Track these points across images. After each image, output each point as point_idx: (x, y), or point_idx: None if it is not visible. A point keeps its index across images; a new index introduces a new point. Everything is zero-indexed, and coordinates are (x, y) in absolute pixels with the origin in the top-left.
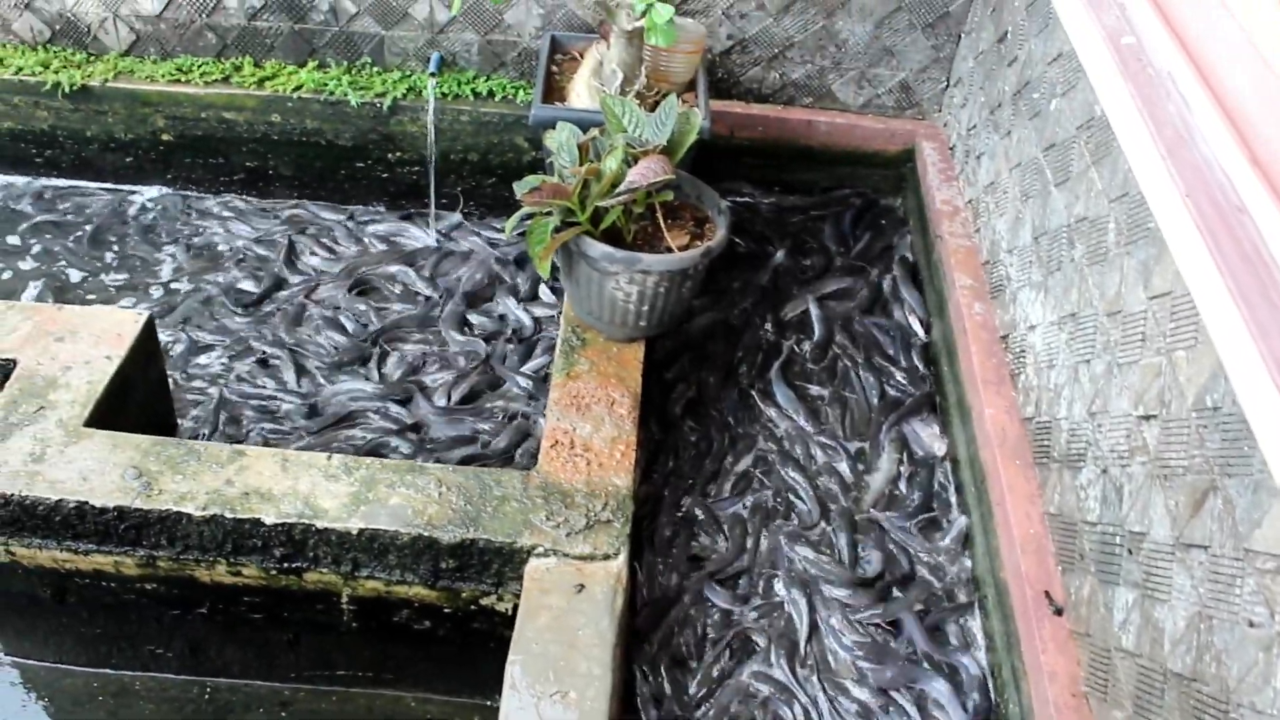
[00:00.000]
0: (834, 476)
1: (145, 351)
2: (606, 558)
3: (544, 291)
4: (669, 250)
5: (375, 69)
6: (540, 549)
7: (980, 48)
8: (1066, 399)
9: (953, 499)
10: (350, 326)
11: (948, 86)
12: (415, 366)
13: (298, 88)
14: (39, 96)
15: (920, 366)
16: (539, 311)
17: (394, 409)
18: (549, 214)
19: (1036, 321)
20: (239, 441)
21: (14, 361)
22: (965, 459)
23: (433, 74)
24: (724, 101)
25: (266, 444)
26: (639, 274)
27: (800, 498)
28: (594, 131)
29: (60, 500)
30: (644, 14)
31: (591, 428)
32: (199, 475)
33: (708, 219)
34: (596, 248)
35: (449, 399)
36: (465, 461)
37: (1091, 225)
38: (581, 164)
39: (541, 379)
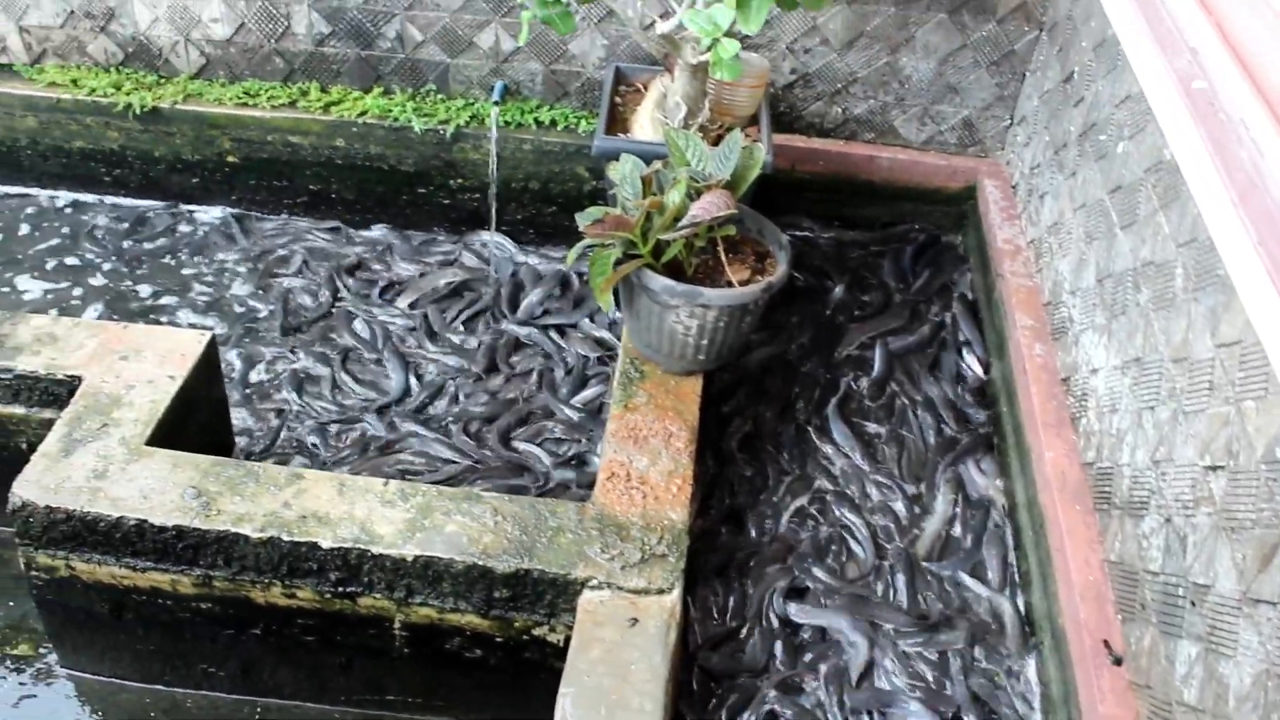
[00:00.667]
0: (889, 515)
1: (207, 371)
2: (660, 592)
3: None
4: (729, 284)
5: (439, 96)
6: (594, 581)
7: (1045, 87)
8: (1129, 445)
9: (1009, 542)
10: (406, 349)
11: (1011, 124)
12: (463, 394)
13: (362, 113)
14: (110, 117)
15: (978, 406)
16: (595, 339)
17: (441, 435)
18: (611, 245)
19: (1099, 365)
20: (287, 461)
21: (79, 378)
22: (1023, 502)
23: (496, 102)
24: (786, 135)
25: (322, 465)
26: (699, 308)
27: (855, 537)
28: (657, 164)
29: (121, 518)
30: (709, 48)
31: (648, 461)
32: (257, 497)
33: (769, 253)
34: (657, 281)
35: (498, 428)
36: (514, 491)
37: (1158, 270)
38: (644, 196)
39: (592, 411)
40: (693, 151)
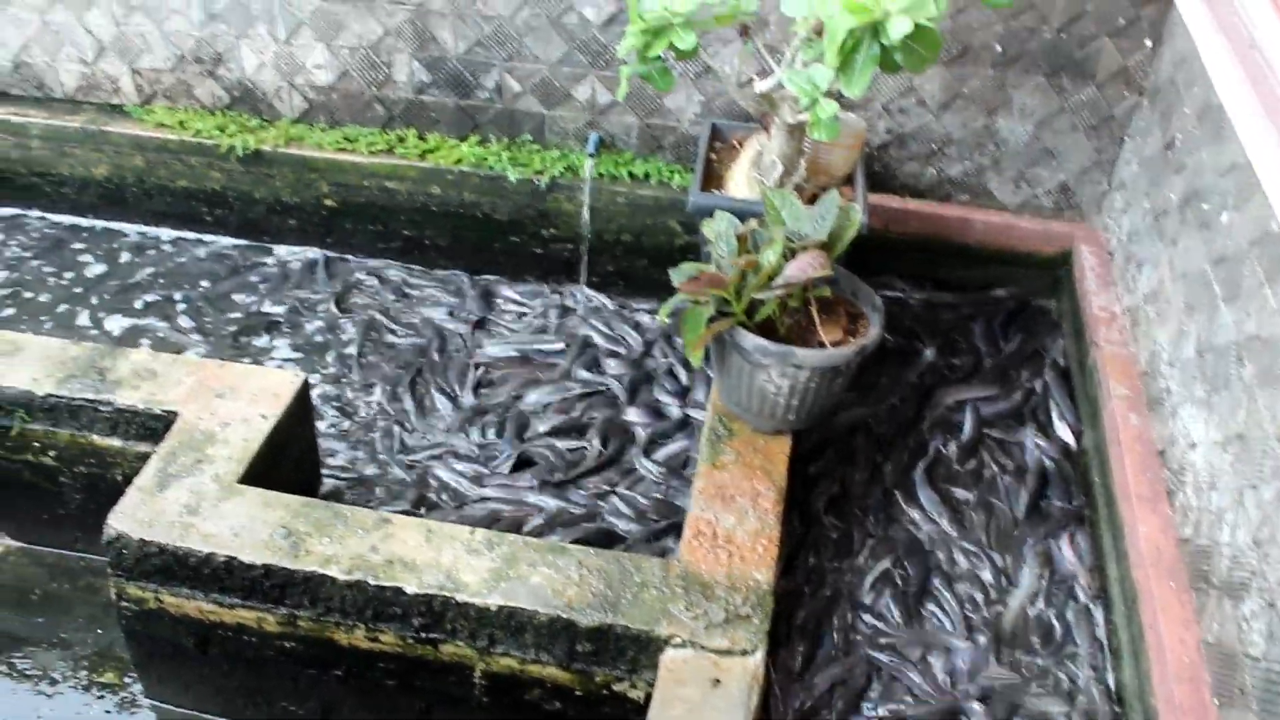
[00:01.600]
0: (976, 584)
1: (299, 412)
2: (744, 653)
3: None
4: (821, 345)
5: (535, 146)
6: (678, 639)
7: (1145, 152)
8: (1229, 523)
9: (1099, 617)
10: (503, 394)
11: (1109, 190)
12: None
13: (458, 161)
14: (214, 158)
15: (1070, 476)
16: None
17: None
18: (704, 302)
19: (1198, 439)
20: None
21: (175, 414)
22: (1115, 577)
23: (591, 154)
24: (879, 195)
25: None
26: (791, 368)
27: (942, 606)
28: (752, 223)
29: (211, 554)
30: (808, 108)
31: (735, 520)
32: (345, 539)
33: (861, 315)
34: (750, 339)
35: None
36: (583, 541)
37: (1264, 345)
38: (740, 255)
39: (672, 468)
40: (789, 211)
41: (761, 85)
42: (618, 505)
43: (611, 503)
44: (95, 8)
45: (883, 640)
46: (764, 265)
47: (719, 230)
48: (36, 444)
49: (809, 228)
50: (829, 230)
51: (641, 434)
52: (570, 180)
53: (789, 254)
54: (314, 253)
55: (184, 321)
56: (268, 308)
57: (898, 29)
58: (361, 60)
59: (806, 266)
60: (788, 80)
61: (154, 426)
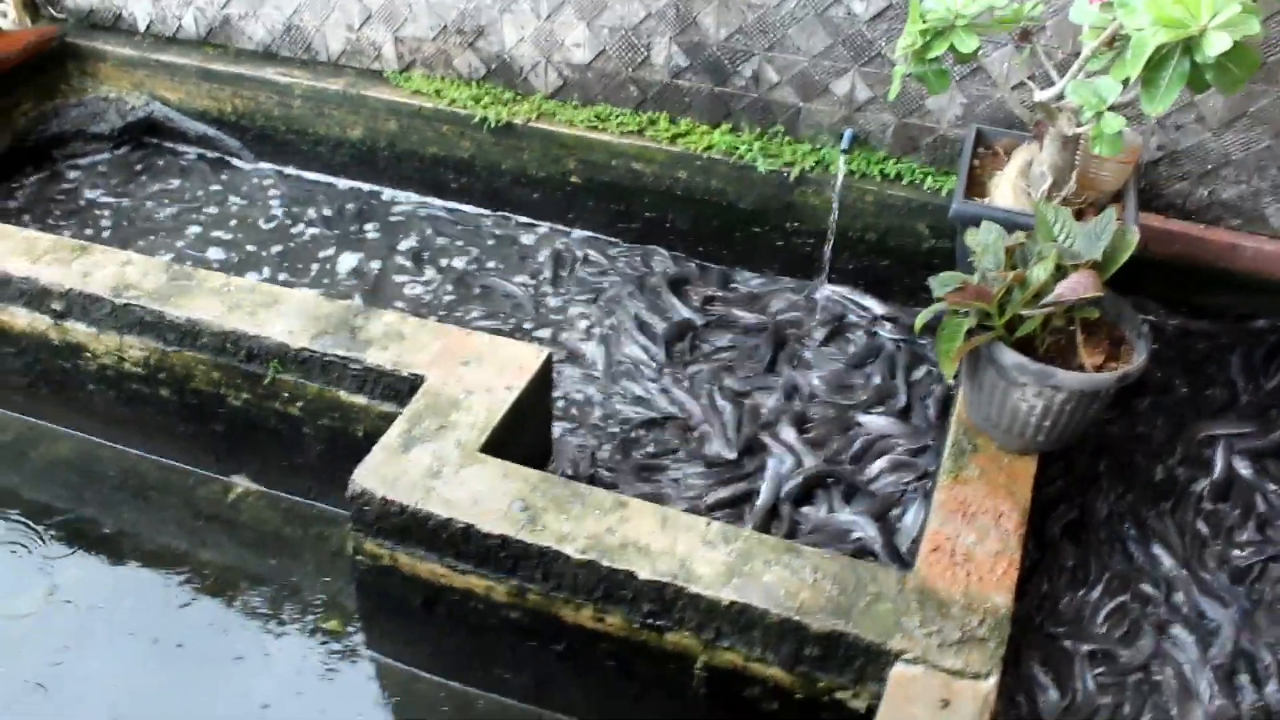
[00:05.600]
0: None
1: (541, 387)
2: (977, 677)
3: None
4: (1081, 367)
5: (786, 138)
6: (909, 655)
7: None
8: None
9: None
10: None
11: None
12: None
13: (708, 148)
14: (466, 128)
15: None
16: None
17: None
18: (965, 314)
19: None
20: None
21: (422, 378)
22: None
23: (844, 150)
24: (1142, 213)
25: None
26: (1049, 388)
27: (1176, 645)
28: (1020, 235)
29: (450, 519)
30: (1090, 121)
31: (975, 538)
32: (582, 519)
33: (1124, 339)
34: (1009, 356)
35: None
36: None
37: None
38: (1006, 268)
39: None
40: (1062, 227)
41: (1041, 95)
42: None
43: None
44: None
45: (1108, 680)
46: (1032, 281)
47: (986, 241)
48: (286, 394)
49: (1082, 246)
50: (1103, 250)
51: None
52: (819, 175)
53: (1059, 271)
54: (548, 226)
55: (424, 281)
56: (505, 276)
57: (1215, 46)
58: (620, 41)
59: (1078, 286)
60: (1071, 91)
61: (400, 388)
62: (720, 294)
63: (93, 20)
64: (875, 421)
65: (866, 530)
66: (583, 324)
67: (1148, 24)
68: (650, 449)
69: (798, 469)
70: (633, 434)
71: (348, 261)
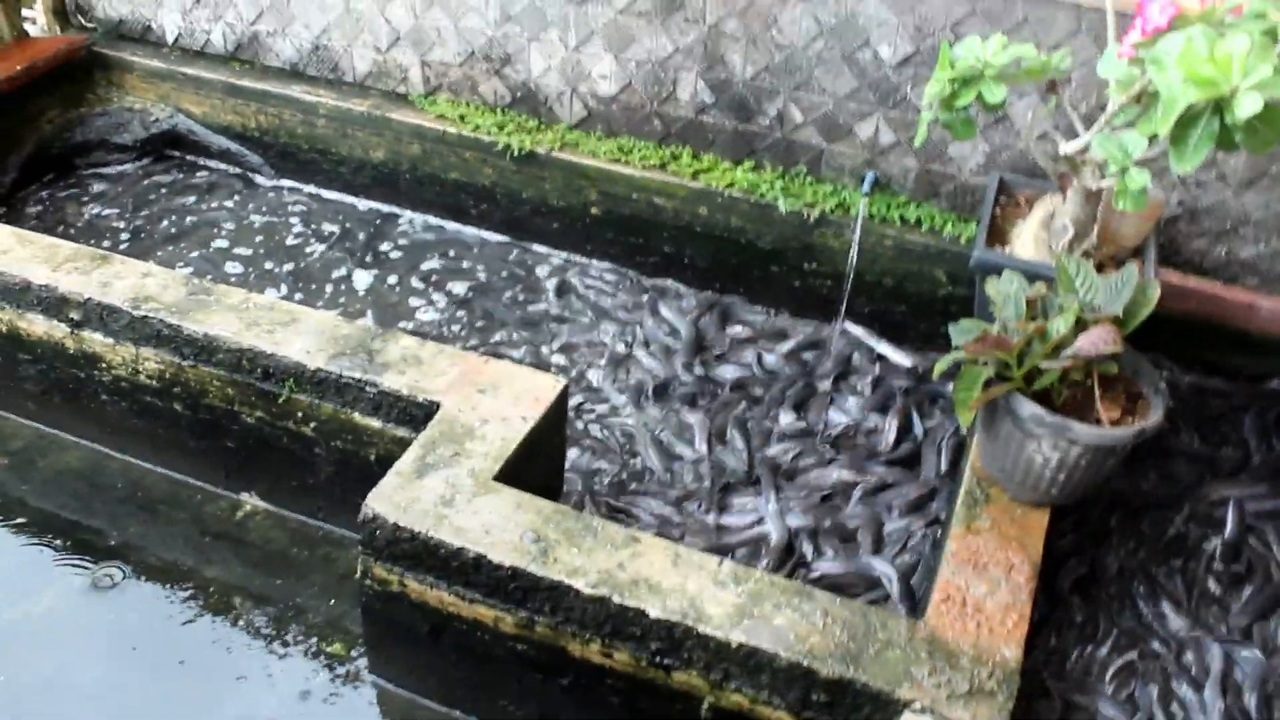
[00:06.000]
0: (1233, 693)
1: (556, 417)
2: None
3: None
4: (1098, 422)
5: (809, 179)
6: (917, 704)
7: None
8: None
9: None
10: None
11: None
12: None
13: (730, 185)
14: (489, 154)
15: None
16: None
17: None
18: (984, 364)
19: None
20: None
21: (438, 404)
22: None
23: (866, 194)
24: (1160, 269)
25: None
26: (1065, 441)
27: (1184, 706)
28: (1040, 287)
29: (462, 548)
30: (1115, 175)
31: (986, 589)
32: (593, 552)
33: (1141, 395)
34: (1027, 407)
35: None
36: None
37: None
38: (1026, 318)
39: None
40: (1083, 280)
41: (1067, 147)
42: None
43: None
44: (398, 1)
45: None
46: (1053, 334)
47: (1008, 291)
48: (299, 414)
49: (1103, 300)
50: (1124, 305)
51: None
52: (839, 217)
53: (1080, 324)
54: (564, 256)
55: (439, 307)
56: (520, 306)
57: (1246, 108)
58: (647, 74)
59: (1099, 341)
60: (1097, 144)
61: (415, 413)
62: (734, 331)
63: (122, 31)
64: (884, 468)
65: (884, 571)
66: (593, 352)
67: (1179, 82)
68: (649, 484)
69: (805, 509)
70: (638, 465)
71: (363, 281)
